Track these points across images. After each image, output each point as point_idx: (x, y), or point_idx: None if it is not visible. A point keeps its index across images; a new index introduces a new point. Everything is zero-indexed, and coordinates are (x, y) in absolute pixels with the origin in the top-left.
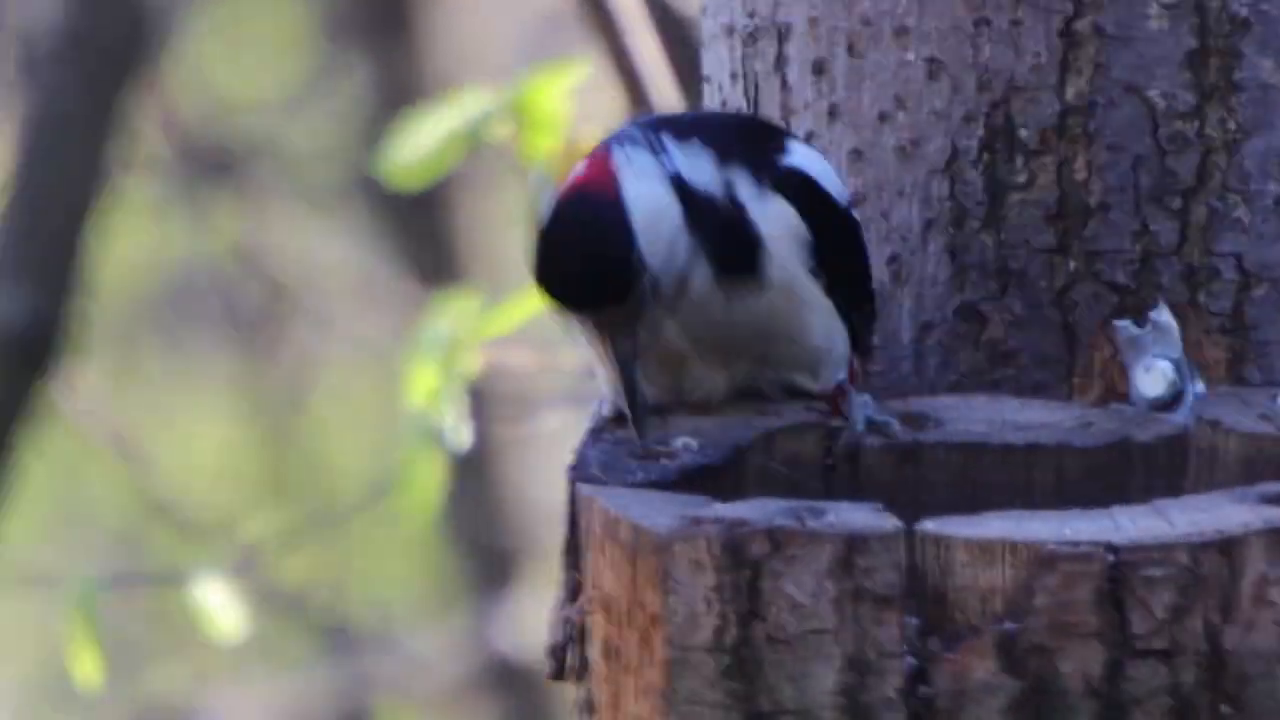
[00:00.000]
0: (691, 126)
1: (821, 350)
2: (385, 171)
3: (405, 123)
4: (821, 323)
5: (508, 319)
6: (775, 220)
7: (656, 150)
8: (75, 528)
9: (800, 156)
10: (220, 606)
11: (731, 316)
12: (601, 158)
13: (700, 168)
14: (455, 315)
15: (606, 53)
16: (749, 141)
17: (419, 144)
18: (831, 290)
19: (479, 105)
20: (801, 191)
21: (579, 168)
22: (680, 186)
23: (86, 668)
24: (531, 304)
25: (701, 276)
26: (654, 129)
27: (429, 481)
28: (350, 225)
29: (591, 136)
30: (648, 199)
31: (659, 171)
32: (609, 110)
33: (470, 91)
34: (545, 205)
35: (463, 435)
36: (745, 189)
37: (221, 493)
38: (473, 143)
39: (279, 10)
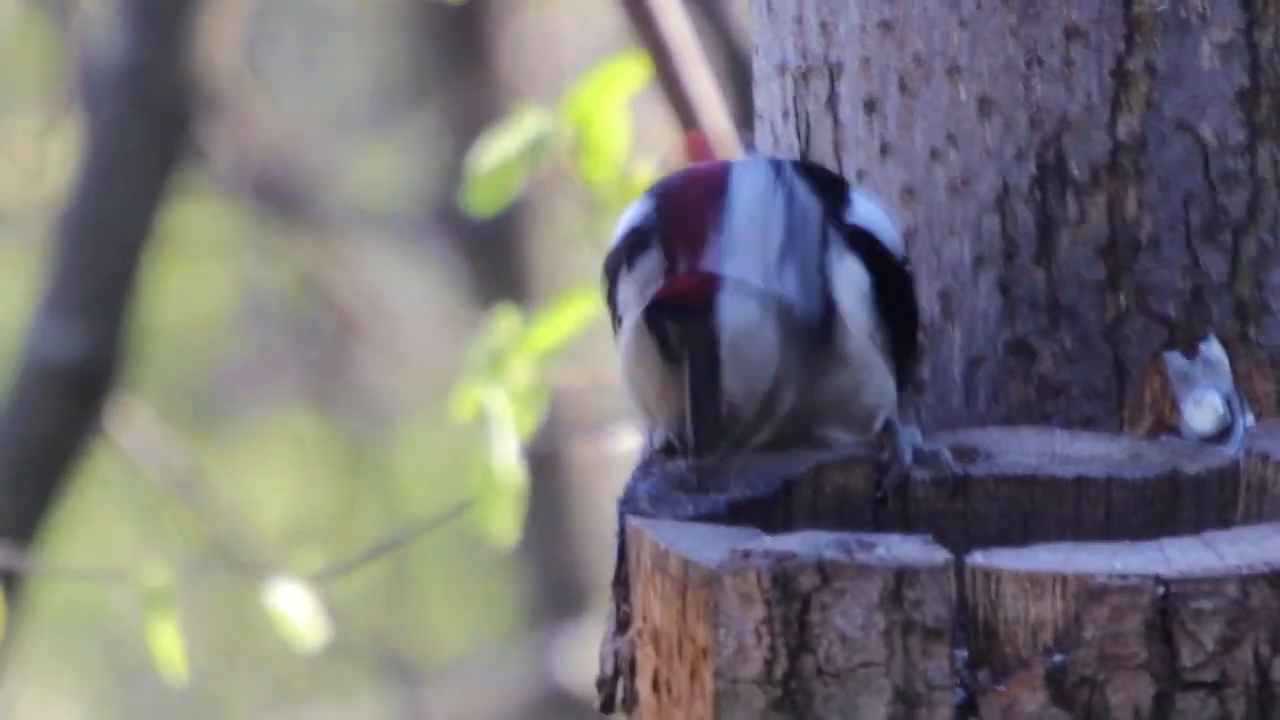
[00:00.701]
0: (758, 221)
1: (874, 408)
2: (465, 200)
3: (478, 150)
4: (876, 382)
5: (551, 333)
6: (848, 284)
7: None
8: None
9: (864, 210)
10: (302, 613)
11: (807, 395)
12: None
13: (785, 277)
14: (501, 332)
15: (662, 81)
16: (822, 196)
17: (486, 169)
18: (885, 347)
19: (537, 125)
20: (867, 250)
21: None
22: (779, 302)
23: (170, 659)
24: (574, 316)
25: (793, 391)
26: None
27: (507, 497)
28: (423, 257)
29: (648, 174)
30: (739, 319)
31: (760, 281)
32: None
33: (529, 110)
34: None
35: (511, 449)
36: (828, 254)
37: (289, 528)
38: (533, 164)
39: (353, 41)
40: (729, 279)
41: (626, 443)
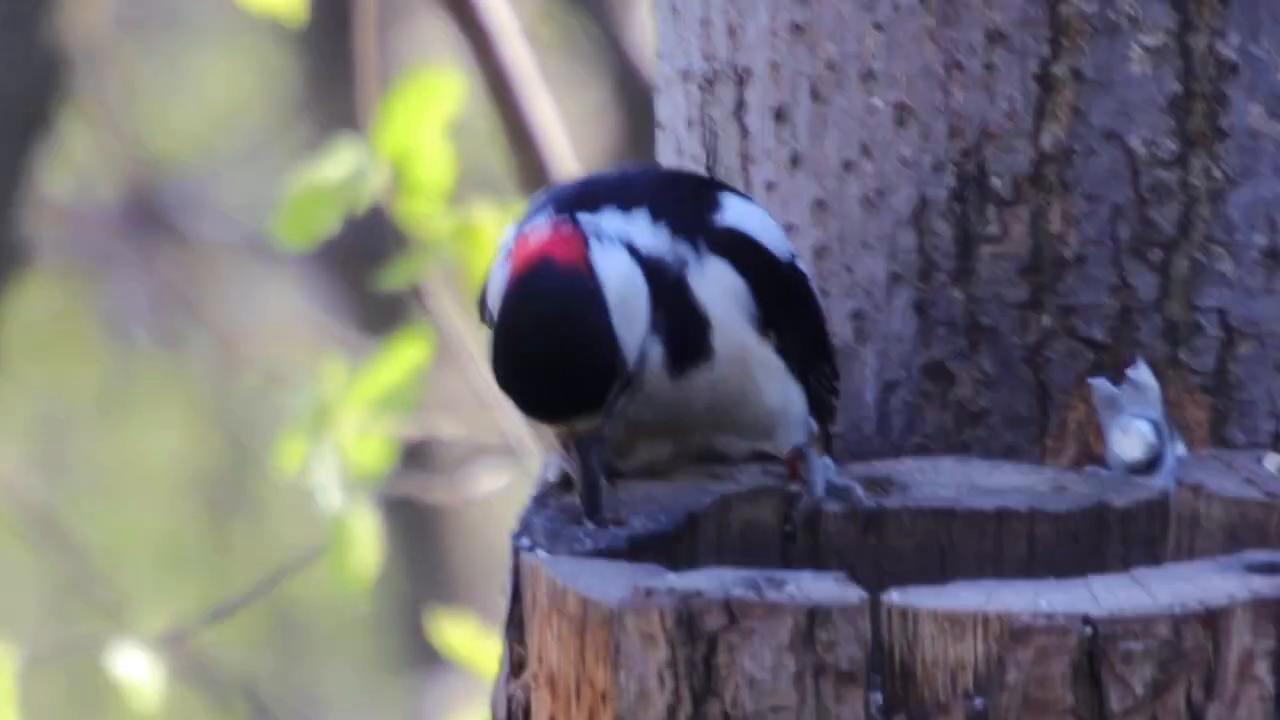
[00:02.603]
0: (622, 189)
1: (776, 413)
2: (276, 232)
3: (294, 179)
4: (775, 384)
5: (376, 384)
6: (715, 284)
7: (601, 216)
8: None
9: (735, 213)
10: (139, 677)
11: (680, 394)
12: (560, 224)
13: (649, 234)
14: (327, 381)
15: (502, 116)
16: (680, 199)
17: (295, 202)
18: (784, 349)
19: (351, 161)
20: (740, 250)
21: (534, 236)
22: (639, 259)
23: None
24: (404, 364)
25: (655, 357)
26: (586, 193)
27: (363, 546)
28: (294, 276)
29: (485, 211)
30: (620, 277)
31: (621, 240)
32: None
33: (345, 143)
34: (497, 283)
35: (333, 498)
36: (685, 254)
37: (158, 567)
38: (349, 200)
39: (225, 58)
40: (595, 235)
41: (490, 484)
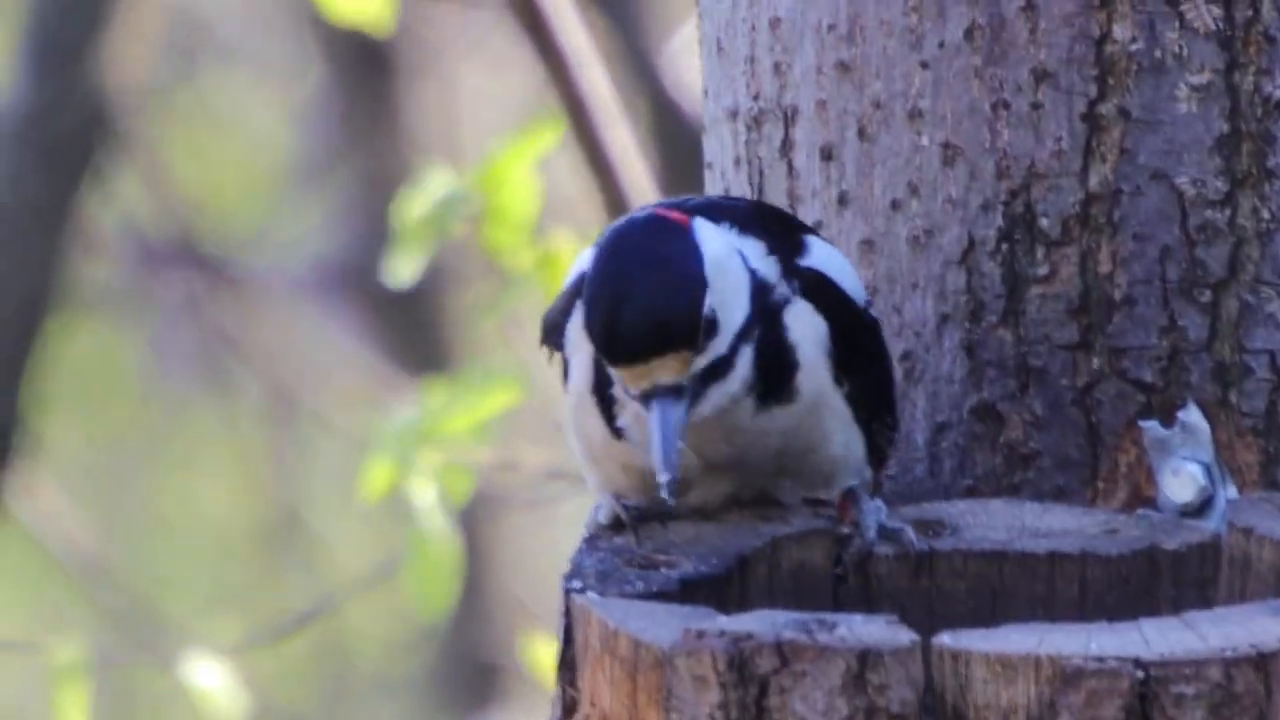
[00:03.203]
0: (732, 210)
1: (839, 460)
2: (389, 267)
3: (395, 213)
4: (841, 433)
5: (470, 416)
6: (804, 327)
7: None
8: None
9: (821, 255)
10: (219, 687)
11: (758, 429)
12: (669, 207)
13: (761, 258)
14: (426, 409)
15: (580, 140)
16: (782, 233)
17: (407, 234)
18: (852, 397)
19: (444, 187)
20: (823, 294)
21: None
22: (749, 270)
23: None
24: (495, 402)
25: (745, 371)
26: (692, 205)
27: (441, 567)
28: (339, 317)
29: (566, 242)
30: (721, 253)
31: (729, 243)
32: (581, 205)
33: (435, 173)
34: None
35: (435, 518)
36: (786, 291)
37: (210, 602)
38: (442, 228)
39: (257, 96)
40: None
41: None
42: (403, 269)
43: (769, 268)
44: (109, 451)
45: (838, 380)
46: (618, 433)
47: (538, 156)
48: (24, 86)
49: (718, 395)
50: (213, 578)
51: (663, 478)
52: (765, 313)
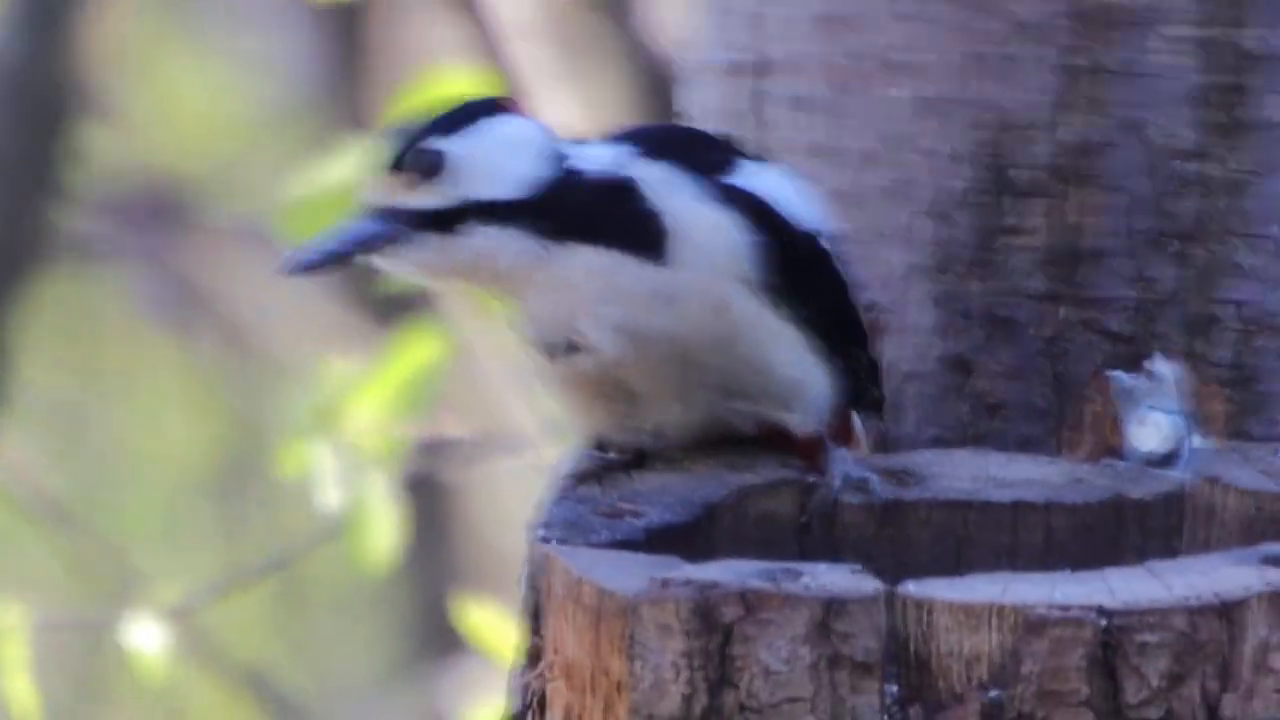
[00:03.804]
0: (649, 135)
1: (792, 382)
2: (281, 229)
3: (303, 171)
4: (789, 354)
5: (385, 384)
6: (704, 227)
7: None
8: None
9: (753, 177)
10: (153, 649)
11: (641, 290)
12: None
13: (606, 158)
14: (326, 382)
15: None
16: (711, 157)
17: (312, 196)
18: (804, 323)
19: (359, 160)
20: (751, 211)
21: None
22: (567, 168)
23: (23, 702)
24: (412, 363)
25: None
26: (612, 138)
27: (380, 528)
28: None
29: None
30: (530, 132)
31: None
32: None
33: (358, 141)
34: None
35: (332, 498)
36: (672, 188)
37: (166, 555)
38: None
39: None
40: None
41: (501, 473)
42: (303, 235)
43: (619, 163)
44: (75, 399)
45: (774, 302)
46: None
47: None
48: (3, 40)
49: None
50: (172, 521)
51: (295, 255)
52: (602, 194)
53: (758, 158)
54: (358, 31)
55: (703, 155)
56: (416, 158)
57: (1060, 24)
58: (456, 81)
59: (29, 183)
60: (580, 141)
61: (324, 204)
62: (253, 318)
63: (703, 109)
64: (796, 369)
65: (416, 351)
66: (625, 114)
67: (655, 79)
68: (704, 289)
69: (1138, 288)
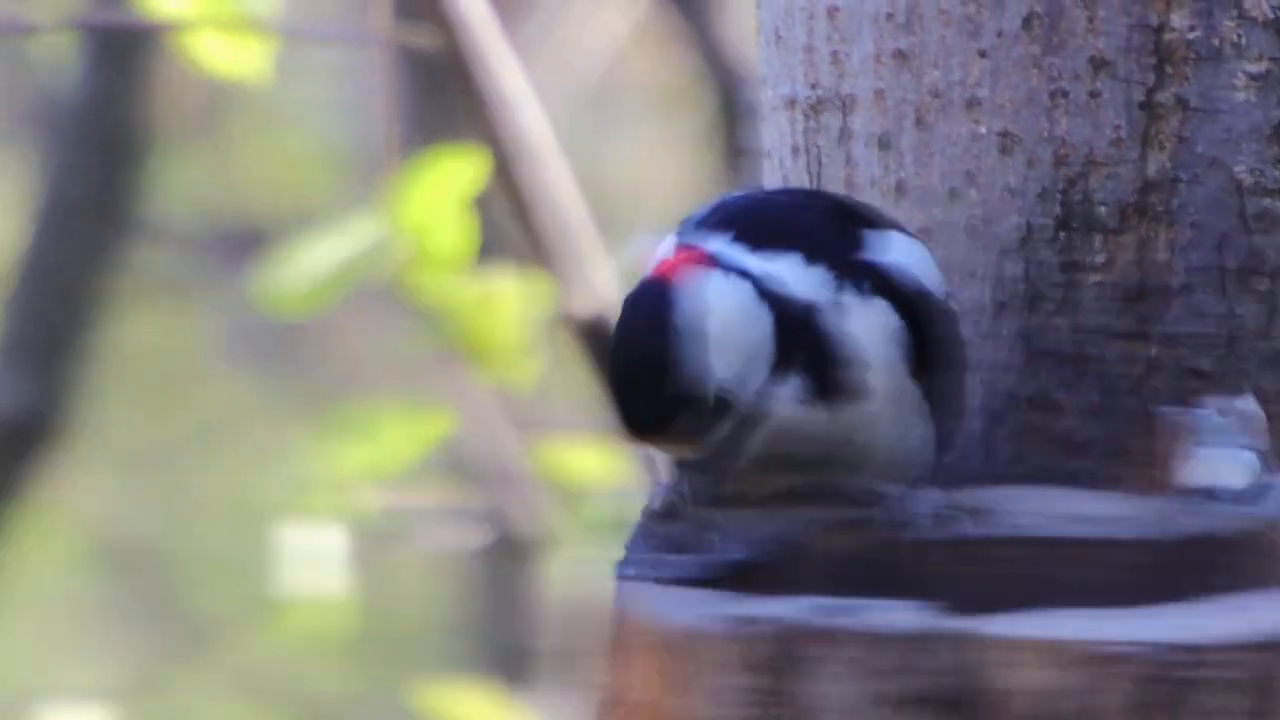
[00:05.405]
0: (767, 216)
1: (905, 454)
2: (267, 297)
3: (292, 245)
4: (918, 427)
5: (366, 458)
6: (875, 326)
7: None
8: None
9: (898, 248)
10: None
11: (839, 431)
12: (685, 249)
13: (798, 272)
14: (318, 457)
15: (505, 190)
16: (838, 231)
17: (306, 271)
18: (929, 391)
19: (368, 233)
20: (898, 290)
21: (662, 257)
22: (768, 293)
23: None
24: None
25: (791, 393)
26: (725, 224)
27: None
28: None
29: (506, 280)
30: (729, 307)
31: (750, 273)
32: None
33: (360, 218)
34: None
35: (337, 578)
36: (836, 295)
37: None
38: (362, 275)
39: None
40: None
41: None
42: (303, 307)
43: (806, 276)
44: (157, 439)
45: (915, 375)
46: None
47: (463, 193)
48: (85, 73)
49: (750, 431)
50: (252, 568)
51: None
52: (807, 332)
53: (870, 220)
54: (443, 75)
55: (853, 232)
56: (706, 420)
57: (1142, 60)
58: (463, 162)
59: (106, 221)
60: (723, 244)
61: (333, 277)
62: (339, 355)
63: (786, 146)
64: (914, 442)
65: (432, 424)
66: (697, 147)
67: (737, 113)
68: (888, 402)
69: (1225, 325)
